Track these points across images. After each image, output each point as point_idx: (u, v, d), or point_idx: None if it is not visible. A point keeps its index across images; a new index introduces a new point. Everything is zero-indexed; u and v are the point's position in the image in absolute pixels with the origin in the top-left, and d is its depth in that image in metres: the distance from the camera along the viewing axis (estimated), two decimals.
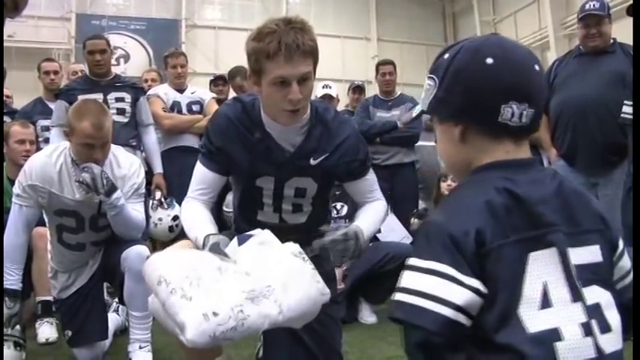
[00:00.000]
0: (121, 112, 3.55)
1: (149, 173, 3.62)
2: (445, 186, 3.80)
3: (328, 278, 2.01)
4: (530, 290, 0.85)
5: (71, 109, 2.37)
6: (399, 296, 0.87)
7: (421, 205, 4.43)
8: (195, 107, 3.97)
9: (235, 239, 1.51)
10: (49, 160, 2.29)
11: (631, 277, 0.99)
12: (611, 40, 3.29)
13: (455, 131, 0.97)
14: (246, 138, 1.72)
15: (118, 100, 3.57)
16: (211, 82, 4.90)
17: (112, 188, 2.22)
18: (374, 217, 1.84)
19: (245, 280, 1.35)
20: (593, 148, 3.17)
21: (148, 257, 2.28)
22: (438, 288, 0.83)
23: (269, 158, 1.73)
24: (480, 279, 0.84)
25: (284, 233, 1.83)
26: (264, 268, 1.39)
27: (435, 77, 0.98)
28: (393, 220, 3.66)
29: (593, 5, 3.20)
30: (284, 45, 1.55)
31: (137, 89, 3.75)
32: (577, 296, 0.87)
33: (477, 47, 0.96)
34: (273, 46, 1.55)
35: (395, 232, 3.56)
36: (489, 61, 0.93)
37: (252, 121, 1.73)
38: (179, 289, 1.29)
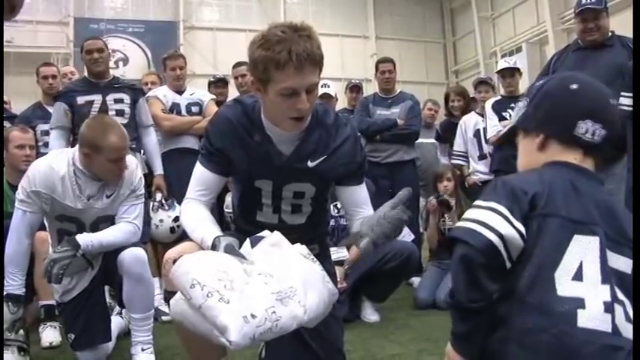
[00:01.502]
0: (120, 113, 3.53)
1: (149, 175, 3.63)
2: (442, 187, 3.81)
3: (331, 274, 2.03)
4: (569, 261, 1.00)
5: (87, 129, 2.32)
6: (459, 223, 1.07)
7: (422, 202, 4.43)
8: (194, 108, 3.96)
9: (248, 241, 1.51)
10: (52, 167, 2.29)
11: None
12: (610, 33, 3.29)
13: (536, 141, 1.16)
14: (245, 140, 1.72)
15: (117, 101, 3.56)
16: (211, 83, 4.89)
17: (74, 245, 2.20)
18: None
19: (271, 281, 1.38)
20: None
21: (144, 259, 2.29)
22: (490, 219, 1.02)
23: (267, 161, 1.73)
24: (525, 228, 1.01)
25: (284, 234, 1.84)
26: (282, 269, 1.42)
27: (527, 98, 1.21)
28: None
29: None
30: (294, 55, 1.51)
31: (136, 90, 3.74)
32: (607, 280, 0.99)
33: (564, 76, 1.24)
34: (284, 55, 1.51)
35: None
36: (574, 86, 1.17)
37: (252, 123, 1.72)
38: (215, 293, 1.29)
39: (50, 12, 14.00)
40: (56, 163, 2.30)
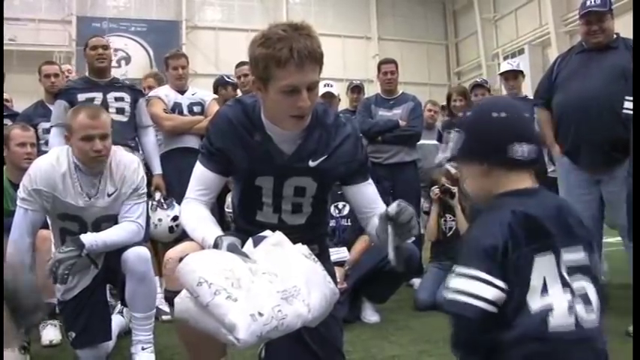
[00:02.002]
0: (120, 111, 3.55)
1: (148, 174, 3.63)
2: (433, 195, 3.82)
3: (330, 274, 2.03)
4: (535, 283, 1.18)
5: (68, 116, 2.39)
6: (452, 295, 1.20)
7: (423, 203, 4.42)
8: (196, 108, 3.96)
9: (250, 240, 1.52)
10: (53, 165, 2.29)
11: (600, 269, 1.27)
12: (614, 36, 3.26)
13: (480, 169, 1.31)
14: (245, 139, 1.72)
15: (117, 99, 3.57)
16: (219, 85, 4.84)
17: (78, 245, 2.20)
18: None
19: (275, 280, 1.39)
20: (596, 144, 3.12)
21: (147, 258, 2.29)
22: (478, 289, 1.17)
23: (268, 160, 1.73)
24: (503, 280, 1.17)
25: (284, 234, 1.85)
26: (285, 268, 1.43)
27: (460, 130, 1.35)
28: None
29: (594, 1, 3.14)
30: (295, 52, 1.52)
31: (136, 91, 3.76)
32: (566, 284, 1.20)
33: (486, 104, 1.38)
34: (285, 53, 1.52)
35: None
36: (495, 114, 1.30)
37: (252, 123, 1.72)
38: (223, 291, 1.30)
39: (53, 10, 14.04)
40: (57, 160, 2.31)
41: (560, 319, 1.17)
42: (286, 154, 1.73)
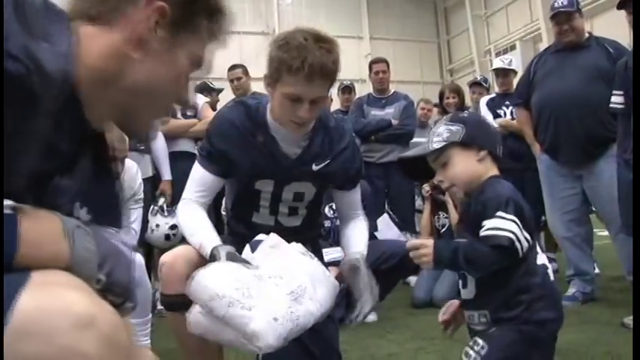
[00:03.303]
0: None
1: (157, 177, 3.63)
2: (424, 192, 3.83)
3: None
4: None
5: None
6: (490, 232, 1.38)
7: (417, 201, 4.44)
8: (189, 111, 3.97)
9: (248, 246, 1.54)
10: None
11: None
12: (587, 34, 3.40)
13: (479, 154, 1.51)
14: (249, 141, 1.73)
15: None
16: (203, 90, 4.84)
17: None
18: (366, 239, 1.90)
19: (281, 282, 1.41)
20: (575, 141, 3.27)
21: (141, 264, 2.28)
22: (516, 229, 1.38)
23: (271, 163, 1.74)
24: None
25: (279, 235, 1.86)
26: (288, 269, 1.45)
27: (455, 123, 1.53)
28: (388, 220, 3.67)
29: (562, 3, 3.31)
30: (308, 64, 1.53)
31: None
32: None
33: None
34: (297, 62, 1.54)
35: (391, 229, 3.57)
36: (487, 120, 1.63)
37: (256, 124, 1.74)
38: (236, 302, 1.32)
39: None
40: None
41: (550, 275, 1.45)
42: (290, 156, 1.75)
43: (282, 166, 1.74)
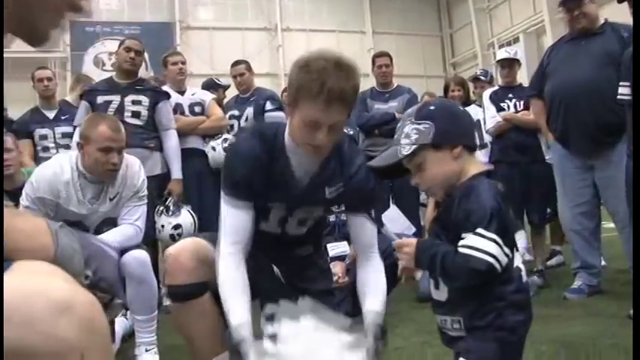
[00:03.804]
0: (136, 115, 3.53)
1: (167, 176, 3.63)
2: None
3: (322, 272, 2.07)
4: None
5: (83, 123, 2.43)
6: (467, 251, 1.33)
7: (422, 195, 4.42)
8: (197, 108, 3.96)
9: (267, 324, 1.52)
10: (57, 173, 2.30)
11: None
12: (602, 20, 3.31)
13: (454, 151, 1.43)
14: (266, 170, 1.72)
15: (134, 102, 3.56)
16: (209, 86, 4.87)
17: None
18: (383, 291, 1.86)
19: None
20: (585, 130, 3.20)
21: (146, 261, 2.28)
22: (493, 249, 1.32)
23: (285, 188, 1.75)
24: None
25: (284, 242, 1.90)
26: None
27: (411, 119, 1.46)
28: (395, 211, 3.66)
29: None
30: (327, 90, 1.52)
31: (158, 93, 3.71)
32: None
33: (441, 103, 1.69)
34: (316, 87, 1.52)
35: (398, 223, 3.56)
36: (459, 108, 1.58)
37: (273, 151, 1.73)
38: None
39: None
40: (60, 168, 2.31)
41: (523, 276, 1.42)
42: (303, 183, 1.76)
43: (295, 194, 1.76)
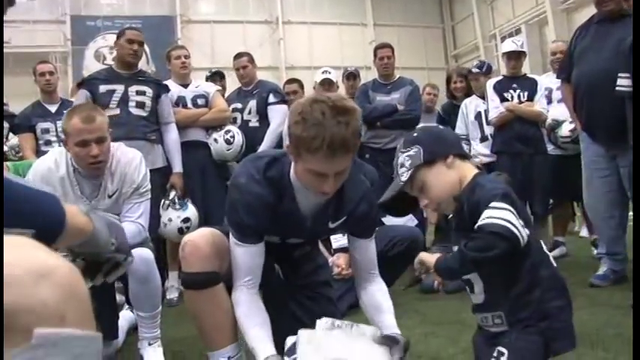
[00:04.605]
0: (140, 105, 3.50)
1: (169, 169, 3.62)
2: None
3: (320, 266, 2.08)
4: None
5: (63, 118, 2.30)
6: (493, 220, 1.35)
7: None
8: (200, 101, 3.93)
9: (286, 358, 1.54)
10: (51, 168, 2.24)
11: None
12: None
13: (446, 162, 1.50)
14: (274, 209, 1.73)
15: (139, 93, 3.52)
16: (208, 78, 4.88)
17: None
18: (391, 310, 1.87)
19: None
20: (605, 122, 3.08)
21: (149, 259, 2.21)
22: (515, 221, 1.36)
23: (291, 224, 1.78)
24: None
25: (283, 247, 1.92)
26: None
27: (411, 147, 1.53)
28: None
29: None
30: (327, 143, 1.49)
31: (160, 85, 3.70)
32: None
33: (422, 127, 1.82)
34: (316, 142, 1.49)
35: None
36: (440, 127, 1.69)
37: (281, 189, 1.73)
38: None
39: (46, 11, 13.98)
40: (55, 163, 2.26)
41: (553, 262, 1.46)
42: (308, 219, 1.78)
43: (300, 229, 1.81)
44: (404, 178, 1.51)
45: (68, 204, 1.01)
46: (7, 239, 0.69)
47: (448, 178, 1.50)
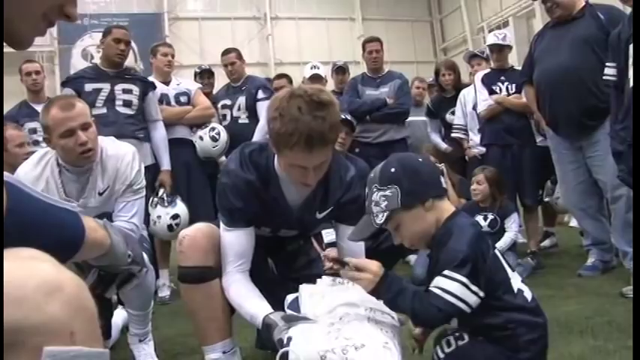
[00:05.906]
0: (127, 104, 3.48)
1: (157, 167, 3.61)
2: None
3: (312, 260, 2.09)
4: (508, 270, 1.46)
5: (41, 115, 2.22)
6: (439, 292, 1.36)
7: None
8: (182, 98, 3.93)
9: (288, 310, 1.53)
10: (34, 170, 2.19)
11: None
12: (582, 3, 3.33)
13: (425, 206, 1.45)
14: (260, 198, 1.75)
15: (125, 91, 3.50)
16: (196, 74, 4.87)
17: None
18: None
19: (353, 316, 1.40)
20: (570, 115, 3.28)
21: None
22: (462, 292, 1.35)
23: (278, 214, 1.79)
24: (479, 286, 1.37)
25: (275, 240, 1.94)
26: (345, 306, 1.44)
27: (376, 185, 1.46)
28: None
29: None
30: (304, 139, 1.50)
31: (147, 83, 3.67)
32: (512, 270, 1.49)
33: (403, 155, 1.60)
34: (294, 138, 1.50)
35: None
36: (418, 159, 1.55)
37: (267, 177, 1.75)
38: (346, 347, 1.30)
39: None
40: (38, 164, 2.21)
41: (527, 294, 1.45)
42: (295, 209, 1.80)
43: (288, 219, 1.82)
44: (379, 220, 1.46)
45: (90, 218, 1.07)
46: (15, 251, 0.69)
47: (425, 222, 1.46)
